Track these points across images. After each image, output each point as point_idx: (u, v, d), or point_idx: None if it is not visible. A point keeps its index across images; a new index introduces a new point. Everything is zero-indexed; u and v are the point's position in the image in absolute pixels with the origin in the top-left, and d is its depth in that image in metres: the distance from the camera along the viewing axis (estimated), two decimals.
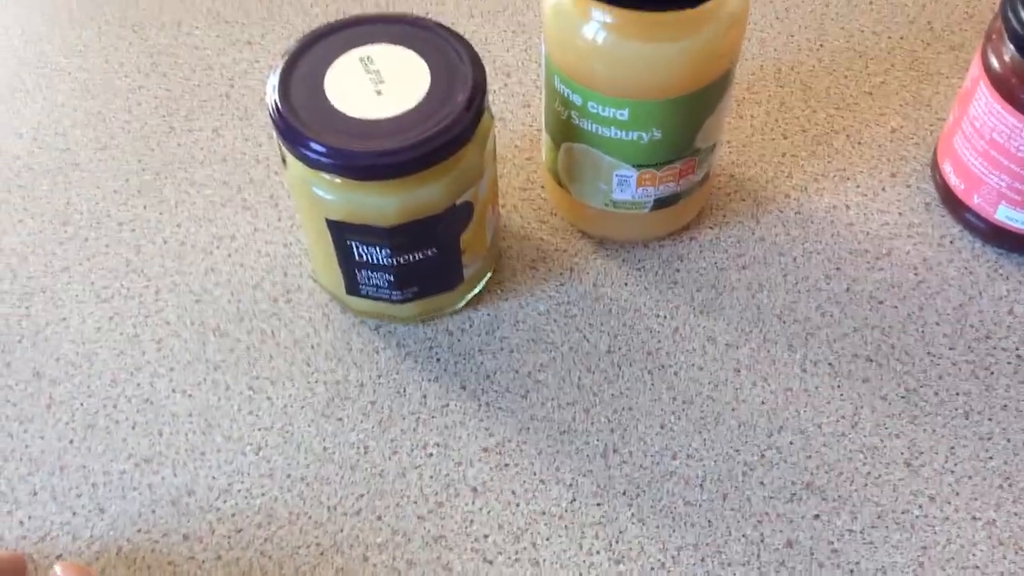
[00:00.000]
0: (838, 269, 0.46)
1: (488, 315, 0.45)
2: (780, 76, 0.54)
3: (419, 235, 0.39)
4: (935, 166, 0.48)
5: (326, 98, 0.38)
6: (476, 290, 0.45)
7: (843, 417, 0.42)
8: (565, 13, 0.39)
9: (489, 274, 0.45)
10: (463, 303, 0.45)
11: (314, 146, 0.36)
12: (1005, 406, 0.42)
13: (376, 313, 0.44)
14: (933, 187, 0.48)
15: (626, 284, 0.46)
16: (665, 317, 0.45)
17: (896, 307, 0.45)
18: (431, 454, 0.41)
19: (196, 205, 0.49)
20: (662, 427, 0.41)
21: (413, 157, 0.36)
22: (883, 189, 0.49)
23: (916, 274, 0.46)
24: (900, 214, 0.48)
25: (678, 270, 0.46)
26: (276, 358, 0.44)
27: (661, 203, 0.44)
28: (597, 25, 0.38)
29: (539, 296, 0.45)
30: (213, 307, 0.45)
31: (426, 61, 0.39)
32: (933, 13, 0.56)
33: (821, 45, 0.55)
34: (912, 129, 0.51)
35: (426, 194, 0.38)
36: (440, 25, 0.40)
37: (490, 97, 0.48)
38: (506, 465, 0.41)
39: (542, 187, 0.49)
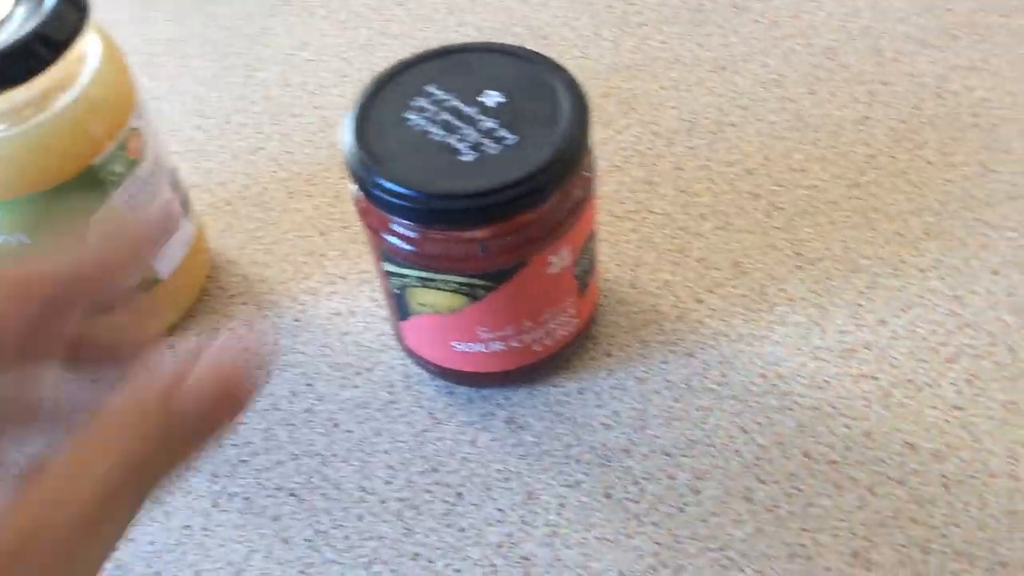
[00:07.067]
0: (309, 385, 0.41)
1: None
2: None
3: None
4: None
5: None
6: None
7: (231, 563, 0.36)
8: None
9: None
10: None
11: None
12: (417, 555, 0.36)
13: None
14: None
15: None
16: None
17: (351, 431, 0.39)
18: None
19: None
20: None
21: None
22: None
23: (390, 393, 0.40)
24: None
25: None
26: None
27: None
28: None
29: None
30: None
31: None
32: None
33: None
34: None
35: None
36: None
37: None
38: None
39: None
